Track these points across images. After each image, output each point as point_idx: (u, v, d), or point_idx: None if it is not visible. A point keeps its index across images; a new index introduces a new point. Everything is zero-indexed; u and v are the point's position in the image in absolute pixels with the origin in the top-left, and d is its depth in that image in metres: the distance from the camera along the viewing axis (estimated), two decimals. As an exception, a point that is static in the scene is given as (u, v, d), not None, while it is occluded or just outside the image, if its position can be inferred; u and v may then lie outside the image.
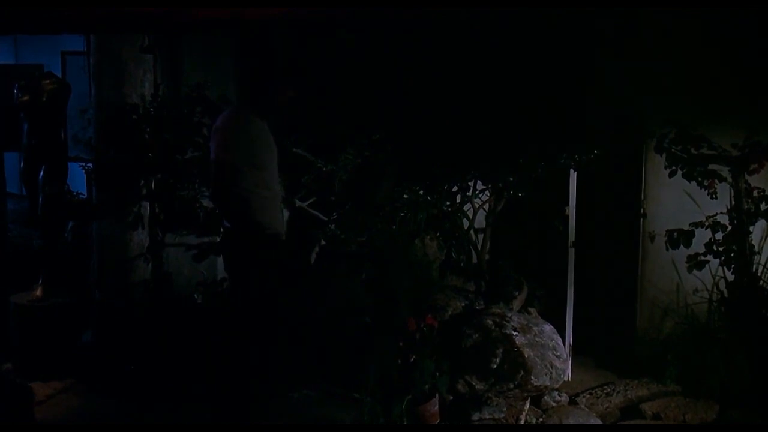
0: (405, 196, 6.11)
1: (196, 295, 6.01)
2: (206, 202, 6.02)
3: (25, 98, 6.27)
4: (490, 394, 5.51)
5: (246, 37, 6.23)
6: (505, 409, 5.40)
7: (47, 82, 6.33)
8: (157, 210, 6.11)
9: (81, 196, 7.49)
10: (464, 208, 6.62)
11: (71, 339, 6.26)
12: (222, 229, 4.85)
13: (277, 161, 4.69)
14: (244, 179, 4.42)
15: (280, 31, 6.22)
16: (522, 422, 5.38)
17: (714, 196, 5.89)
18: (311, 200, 6.14)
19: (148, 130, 5.87)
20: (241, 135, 4.53)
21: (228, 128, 4.55)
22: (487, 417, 5.30)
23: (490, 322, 5.79)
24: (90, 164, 6.41)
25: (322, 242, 6.05)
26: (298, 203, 6.06)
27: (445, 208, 6.44)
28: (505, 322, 5.78)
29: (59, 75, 7.62)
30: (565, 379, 5.99)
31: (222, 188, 4.53)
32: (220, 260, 6.21)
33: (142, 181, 5.99)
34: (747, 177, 5.89)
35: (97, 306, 6.14)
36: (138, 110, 5.87)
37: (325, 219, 6.10)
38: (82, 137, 6.28)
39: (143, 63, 6.02)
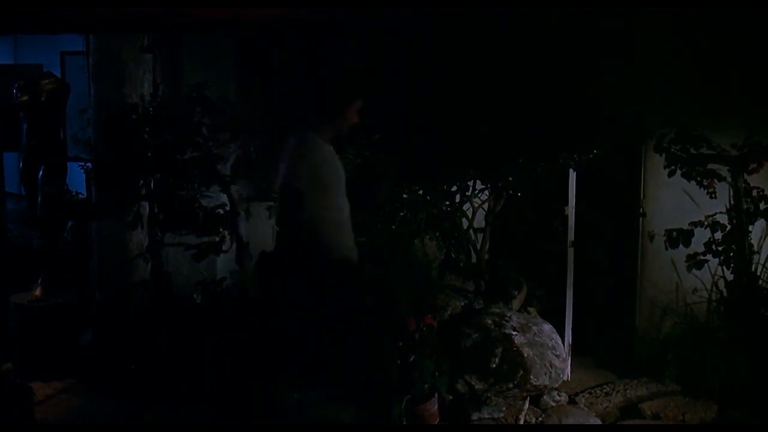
0: (404, 195, 6.11)
1: (195, 295, 6.01)
2: (205, 202, 6.03)
3: (25, 98, 6.28)
4: (489, 394, 5.51)
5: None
6: (504, 408, 5.41)
7: (46, 81, 6.34)
8: (156, 210, 6.11)
9: (80, 195, 7.49)
10: (464, 208, 6.62)
11: (71, 339, 6.26)
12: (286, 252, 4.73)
13: (344, 182, 4.64)
14: (311, 204, 4.37)
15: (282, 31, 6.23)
16: (521, 422, 5.37)
17: (713, 195, 5.89)
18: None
19: (147, 130, 5.87)
20: (309, 160, 4.46)
21: (296, 153, 4.48)
22: (487, 417, 5.31)
23: (490, 322, 5.80)
24: (89, 164, 6.40)
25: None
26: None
27: (444, 208, 6.44)
28: (504, 322, 5.79)
29: (58, 75, 7.64)
30: (565, 378, 5.99)
31: (289, 214, 4.45)
32: (219, 260, 6.22)
33: (142, 181, 5.99)
34: (746, 177, 5.89)
35: (97, 306, 6.14)
36: (137, 110, 5.87)
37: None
38: (81, 137, 6.28)
39: (143, 63, 6.02)
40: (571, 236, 6.14)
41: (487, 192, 6.51)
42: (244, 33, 6.32)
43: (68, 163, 6.55)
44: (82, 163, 6.67)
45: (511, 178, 6.21)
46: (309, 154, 4.47)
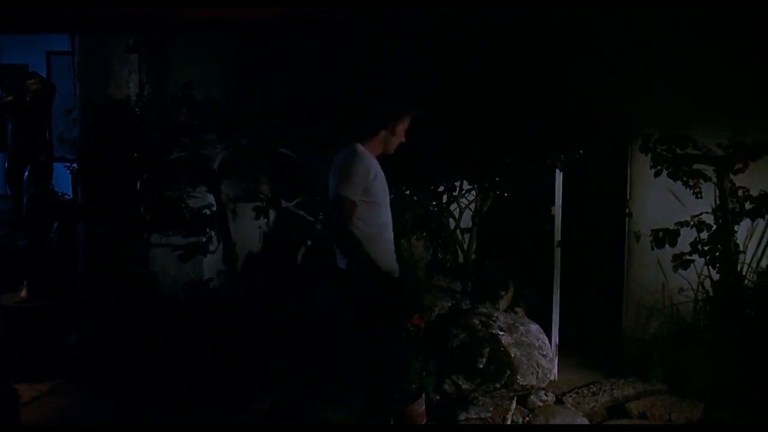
0: (391, 195, 6.10)
1: (182, 295, 6.00)
2: (192, 203, 6.01)
3: (10, 98, 6.26)
4: (476, 394, 5.52)
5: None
6: (491, 408, 5.41)
7: (32, 81, 6.33)
8: (143, 210, 6.09)
9: (66, 196, 7.45)
10: (450, 208, 6.62)
11: (58, 340, 6.23)
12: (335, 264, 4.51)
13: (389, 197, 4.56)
14: (359, 217, 4.26)
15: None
16: (509, 422, 5.38)
17: (699, 195, 5.91)
18: (297, 200, 6.12)
19: (133, 130, 5.85)
20: (361, 175, 4.30)
21: (347, 167, 4.30)
22: (474, 417, 5.31)
23: (477, 322, 5.80)
24: (75, 164, 6.38)
25: (309, 242, 6.05)
26: (284, 203, 6.06)
27: (431, 208, 6.44)
28: (491, 322, 5.79)
29: (44, 75, 7.61)
30: (552, 378, 6.00)
31: (339, 226, 4.29)
32: (206, 260, 6.22)
33: (128, 182, 5.96)
34: (732, 177, 5.92)
35: (84, 307, 6.12)
36: (123, 110, 5.85)
37: (311, 219, 6.09)
38: (67, 137, 6.27)
39: (128, 63, 6.02)
40: (557, 236, 6.15)
41: (474, 192, 6.51)
42: (241, 33, 6.30)
43: (54, 164, 6.52)
44: (68, 164, 6.65)
45: (497, 178, 6.21)
46: (361, 169, 4.30)
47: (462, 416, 5.31)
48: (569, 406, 5.65)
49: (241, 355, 5.34)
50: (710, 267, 5.95)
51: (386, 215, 4.46)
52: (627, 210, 6.38)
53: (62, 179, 7.10)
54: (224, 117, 5.92)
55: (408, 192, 6.23)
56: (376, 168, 4.37)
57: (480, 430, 5.28)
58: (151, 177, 5.99)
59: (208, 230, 6.07)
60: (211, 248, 6.13)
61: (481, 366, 5.56)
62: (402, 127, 4.56)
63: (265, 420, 5.12)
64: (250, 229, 6.30)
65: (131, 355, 5.74)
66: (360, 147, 4.40)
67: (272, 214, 6.19)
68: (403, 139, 4.59)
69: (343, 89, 6.07)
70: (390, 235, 4.50)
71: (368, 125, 4.50)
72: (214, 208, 6.10)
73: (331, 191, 4.28)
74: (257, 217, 6.12)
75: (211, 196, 6.08)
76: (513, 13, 5.89)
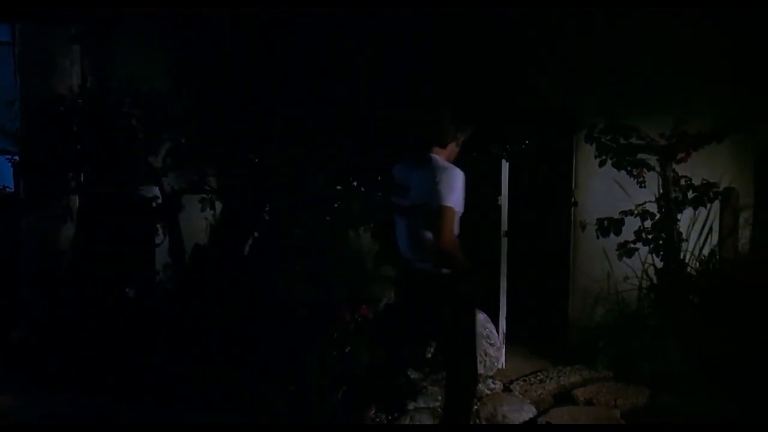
0: (338, 187, 6.09)
1: (128, 289, 5.94)
2: (137, 195, 5.95)
3: (-54, 90, 6.13)
4: (425, 383, 5.53)
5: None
6: (440, 397, 5.42)
7: (-29, 73, 6.20)
8: (86, 203, 6.01)
9: (8, 189, 7.32)
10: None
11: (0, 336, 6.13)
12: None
13: None
14: (453, 229, 4.26)
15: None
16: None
17: (643, 184, 6.00)
18: (243, 192, 6.08)
19: (76, 122, 5.77)
20: (462, 187, 4.28)
21: (451, 180, 4.23)
22: (423, 406, 5.32)
23: (425, 312, 5.81)
24: (17, 157, 6.27)
25: (255, 234, 6.02)
26: (230, 195, 6.02)
27: (378, 199, 6.43)
28: (439, 312, 5.80)
29: (-16, 66, 7.46)
30: (499, 366, 6.04)
31: (447, 235, 4.20)
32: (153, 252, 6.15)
33: (71, 174, 5.88)
34: (674, 166, 6.01)
35: (26, 301, 6.02)
36: (66, 102, 5.77)
37: (257, 211, 6.05)
38: (9, 129, 6.15)
39: (70, 54, 5.93)
40: (504, 226, 6.18)
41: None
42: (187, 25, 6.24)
43: (-5, 157, 6.41)
44: (9, 156, 6.53)
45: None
46: (462, 183, 4.26)
47: (411, 405, 5.32)
48: (517, 393, 5.70)
49: (183, 348, 5.29)
50: (654, 255, 6.03)
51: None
52: (572, 199, 6.44)
53: (4, 172, 6.97)
54: (169, 109, 5.86)
55: (355, 183, 6.21)
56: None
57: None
58: (94, 169, 5.90)
59: (153, 223, 6.01)
60: (157, 241, 6.07)
61: (429, 355, 5.58)
62: (461, 141, 4.61)
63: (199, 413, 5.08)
64: (196, 221, 6.25)
65: (77, 350, 5.66)
66: (442, 159, 4.42)
67: (219, 206, 6.14)
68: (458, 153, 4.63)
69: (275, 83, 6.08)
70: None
71: (443, 137, 4.51)
72: (160, 201, 6.04)
73: (434, 203, 4.18)
74: (203, 210, 6.06)
75: (157, 188, 6.01)
76: (460, 7, 5.92)
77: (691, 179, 6.02)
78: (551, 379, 5.92)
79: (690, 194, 6.01)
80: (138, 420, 5.06)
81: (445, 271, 4.29)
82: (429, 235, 4.23)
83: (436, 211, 4.15)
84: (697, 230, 6.10)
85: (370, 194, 6.37)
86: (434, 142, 4.45)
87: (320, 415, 5.09)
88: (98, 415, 5.20)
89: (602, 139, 6.04)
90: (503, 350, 6.17)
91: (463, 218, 4.36)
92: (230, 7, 5.83)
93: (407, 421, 5.14)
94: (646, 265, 6.08)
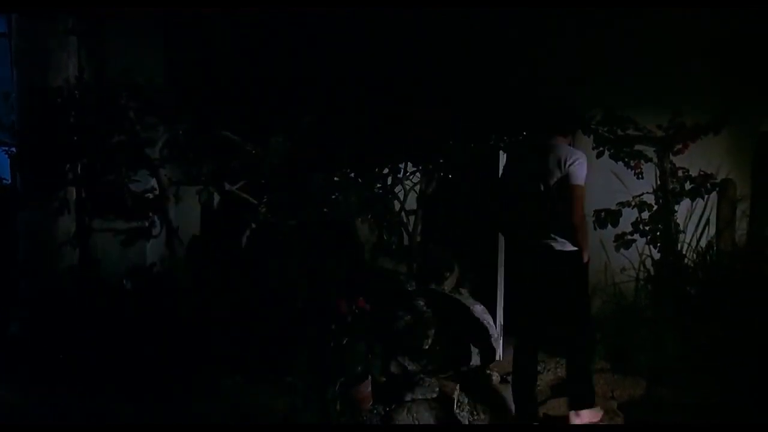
0: (336, 178, 6.08)
1: (125, 282, 5.92)
2: (134, 187, 5.94)
3: (-58, 82, 6.11)
4: (422, 375, 5.54)
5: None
6: (437, 389, 5.43)
7: (-34, 65, 6.18)
8: (83, 195, 6.00)
9: (5, 181, 7.31)
10: (395, 190, 6.62)
11: (-2, 328, 6.13)
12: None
13: None
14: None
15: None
16: (454, 402, 5.41)
17: (640, 176, 6.01)
18: (241, 183, 6.07)
19: (72, 114, 5.75)
20: (583, 171, 4.77)
21: (583, 164, 4.77)
22: (420, 397, 5.32)
23: (422, 304, 5.81)
24: (14, 149, 6.26)
25: (253, 226, 6.01)
26: (227, 186, 6.00)
27: (376, 191, 6.43)
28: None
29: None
30: (497, 358, 6.05)
31: (582, 214, 4.75)
32: (149, 245, 6.14)
33: (68, 166, 5.87)
34: (672, 157, 6.01)
35: (24, 295, 6.01)
36: (62, 94, 5.75)
37: (255, 202, 6.04)
38: (5, 122, 6.13)
39: (67, 46, 5.90)
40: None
41: (418, 174, 6.52)
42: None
43: (-8, 149, 6.39)
44: (6, 148, 6.52)
45: (441, 160, 6.22)
46: (584, 162, 4.77)
47: (408, 397, 5.33)
48: (514, 385, 5.70)
49: (183, 341, 5.29)
50: (651, 246, 6.05)
51: None
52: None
53: (1, 164, 6.96)
54: (165, 100, 5.84)
55: (353, 174, 6.21)
56: None
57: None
58: (91, 161, 5.89)
59: (150, 214, 6.00)
60: (154, 233, 6.07)
61: (427, 347, 5.58)
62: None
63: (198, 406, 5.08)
64: (193, 213, 6.24)
65: (75, 343, 5.65)
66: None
67: (216, 197, 6.13)
68: None
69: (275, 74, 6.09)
70: None
71: (571, 125, 5.19)
72: (157, 192, 6.03)
73: (571, 183, 4.68)
74: (200, 201, 6.05)
75: (153, 180, 6.00)
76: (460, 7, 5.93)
77: (688, 171, 6.03)
78: (548, 370, 5.93)
79: (687, 186, 6.02)
80: (135, 414, 5.06)
81: (574, 248, 4.76)
82: (563, 212, 4.71)
83: (572, 190, 4.67)
84: (695, 222, 6.12)
85: (366, 185, 6.37)
86: (559, 131, 4.94)
87: (317, 407, 5.11)
88: (97, 409, 5.20)
89: (600, 131, 6.05)
90: (501, 342, 6.18)
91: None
92: (230, 7, 5.86)
93: (404, 413, 5.14)
94: (644, 256, 6.09)
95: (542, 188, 4.77)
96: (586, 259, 4.87)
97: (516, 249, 5.07)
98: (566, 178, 4.68)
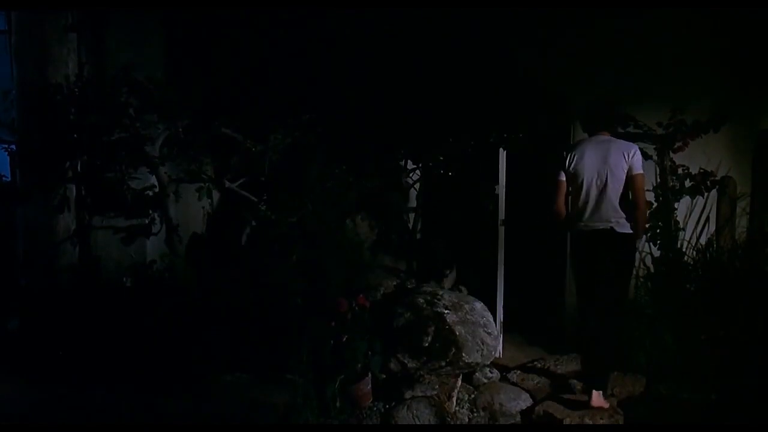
0: (336, 172, 6.09)
1: (125, 279, 5.92)
2: (134, 184, 5.94)
3: (-57, 79, 6.11)
4: (422, 372, 5.54)
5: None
6: (437, 386, 5.43)
7: (-34, 61, 6.17)
8: (83, 192, 6.00)
9: (5, 179, 7.31)
10: (396, 187, 6.62)
11: (-3, 325, 6.13)
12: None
13: None
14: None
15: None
16: (454, 399, 5.41)
17: (640, 174, 5.98)
18: (241, 181, 6.08)
19: (72, 111, 5.75)
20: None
21: (639, 154, 5.16)
22: (420, 395, 5.33)
23: (422, 301, 5.81)
24: (13, 146, 6.26)
25: (253, 223, 6.01)
26: (227, 184, 6.00)
27: (374, 187, 6.43)
28: (436, 300, 5.81)
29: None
30: (497, 355, 6.05)
31: (644, 199, 5.14)
32: (149, 242, 6.14)
33: (68, 163, 5.88)
34: (672, 155, 6.01)
35: (23, 291, 6.01)
36: (62, 91, 5.75)
37: (255, 200, 6.05)
38: (5, 119, 6.13)
39: (67, 42, 5.90)
40: (501, 215, 6.18)
41: (418, 172, 6.51)
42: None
43: (-9, 146, 6.39)
44: (6, 146, 6.52)
45: (441, 157, 6.21)
46: (639, 153, 5.14)
47: (408, 394, 5.34)
48: (514, 382, 5.71)
49: (183, 338, 5.29)
50: (651, 244, 6.04)
51: None
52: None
53: (0, 162, 6.96)
54: (165, 97, 5.84)
55: (352, 172, 6.21)
56: None
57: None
58: (91, 158, 5.89)
59: (150, 212, 6.00)
60: (154, 230, 6.07)
61: (427, 344, 5.58)
62: None
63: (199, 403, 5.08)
64: (193, 211, 6.24)
65: (74, 339, 5.65)
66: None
67: (216, 195, 6.13)
68: None
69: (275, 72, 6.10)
70: None
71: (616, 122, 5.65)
72: (157, 190, 6.03)
73: (632, 172, 5.10)
74: (200, 198, 6.05)
75: (153, 177, 6.00)
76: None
77: (688, 168, 6.03)
78: (548, 368, 5.92)
79: (687, 183, 6.02)
80: (134, 411, 5.06)
81: (631, 231, 5.11)
82: (623, 198, 5.12)
83: (634, 179, 5.09)
84: (695, 219, 6.11)
85: (366, 183, 6.37)
86: (605, 128, 5.30)
87: (317, 404, 5.11)
88: (95, 405, 5.20)
89: (600, 128, 6.03)
90: (500, 339, 6.18)
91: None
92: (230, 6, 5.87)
93: (404, 410, 5.14)
94: (644, 254, 6.08)
95: (607, 177, 5.12)
96: (640, 244, 5.34)
97: (579, 231, 5.31)
98: (630, 169, 5.10)
